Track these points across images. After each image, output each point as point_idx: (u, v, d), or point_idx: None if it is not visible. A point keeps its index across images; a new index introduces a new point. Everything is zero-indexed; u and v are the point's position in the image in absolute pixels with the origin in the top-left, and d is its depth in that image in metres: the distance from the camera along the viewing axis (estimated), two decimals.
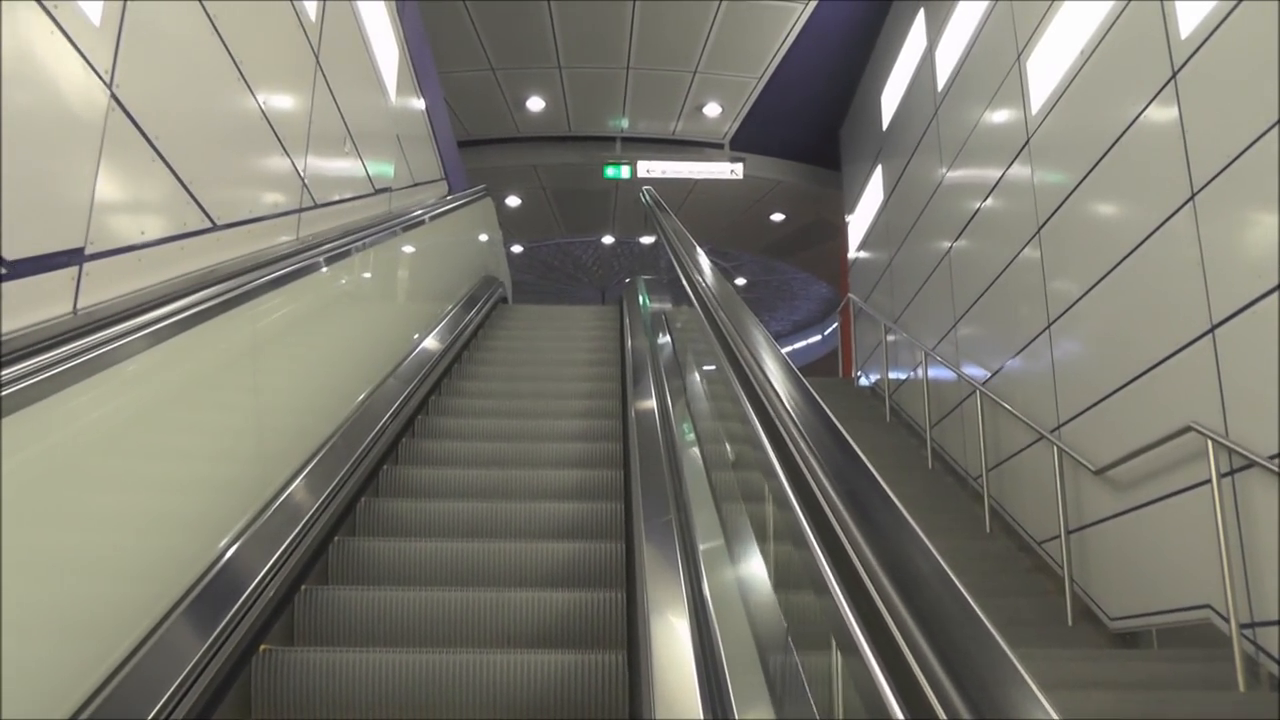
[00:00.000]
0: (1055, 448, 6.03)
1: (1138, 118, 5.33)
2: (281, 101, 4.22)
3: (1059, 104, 6.35)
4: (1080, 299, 5.93)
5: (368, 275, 4.92)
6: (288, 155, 4.28)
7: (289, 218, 4.33)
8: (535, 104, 13.30)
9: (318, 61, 4.75)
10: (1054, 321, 6.30)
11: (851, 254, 12.93)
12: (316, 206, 4.74)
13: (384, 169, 6.34)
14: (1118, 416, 5.50)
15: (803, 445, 1.81)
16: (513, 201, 15.88)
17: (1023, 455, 6.77)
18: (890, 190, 10.87)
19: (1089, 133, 5.92)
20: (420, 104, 7.80)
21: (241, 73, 3.71)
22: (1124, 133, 5.48)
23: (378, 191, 6.07)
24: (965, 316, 8.04)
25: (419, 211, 6.25)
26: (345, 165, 5.35)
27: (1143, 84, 5.31)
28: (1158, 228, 5.08)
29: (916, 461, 8.51)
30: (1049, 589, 6.14)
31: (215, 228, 3.48)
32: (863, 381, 11.76)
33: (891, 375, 10.34)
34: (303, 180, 4.50)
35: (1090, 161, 5.84)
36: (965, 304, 8.03)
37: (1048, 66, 6.57)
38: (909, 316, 9.87)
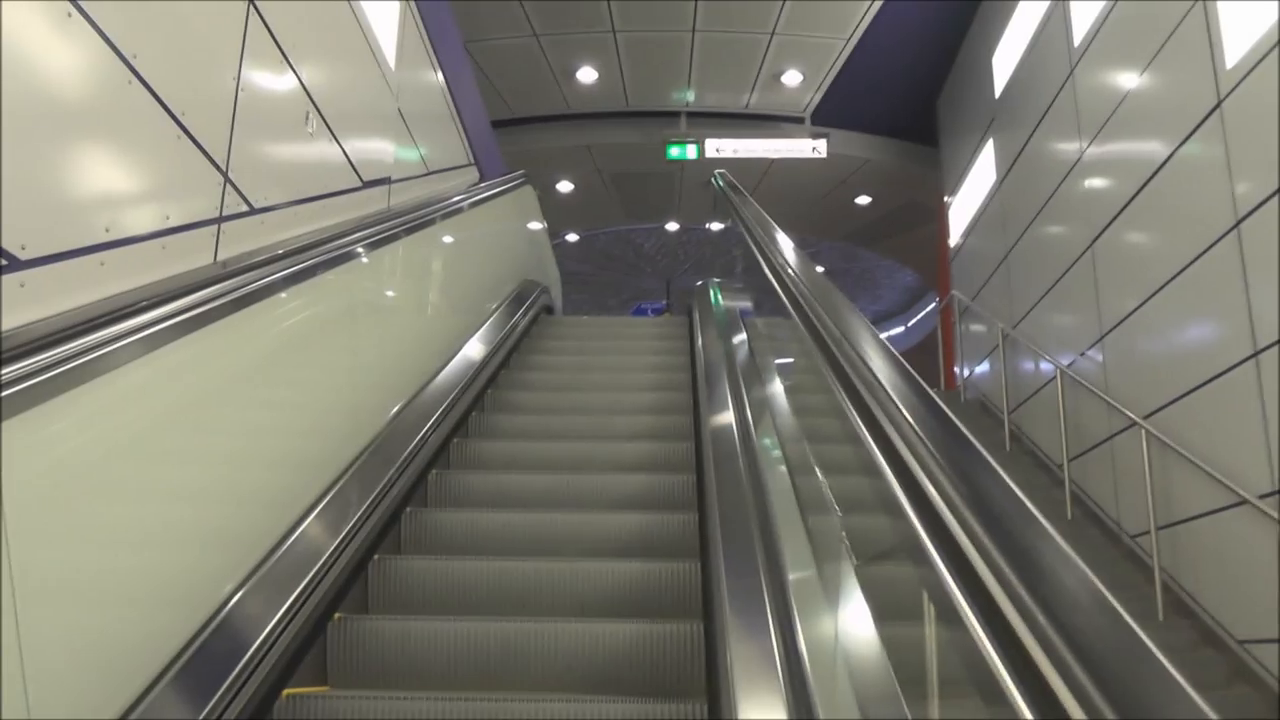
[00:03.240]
0: None
1: None
2: (174, 51, 2.80)
3: (1274, 54, 4.70)
4: None
5: (325, 310, 3.50)
6: (189, 137, 2.86)
7: (197, 233, 2.92)
8: (587, 75, 11.78)
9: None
10: (1264, 349, 4.69)
11: (953, 241, 11.29)
12: (253, 212, 3.33)
13: (379, 155, 4.93)
14: None
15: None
16: (565, 187, 14.43)
17: (1215, 519, 5.16)
18: (1006, 169, 9.21)
19: None
20: (437, 75, 6.36)
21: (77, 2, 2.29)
22: None
23: (368, 185, 4.65)
24: (1118, 328, 6.41)
25: (421, 211, 4.83)
26: (309, 152, 3.93)
27: None
28: None
29: (1051, 508, 6.90)
30: None
31: (17, 264, 2.08)
32: (969, 394, 10.12)
33: (1010, 388, 8.71)
34: (225, 176, 3.09)
35: None
36: (1118, 312, 6.41)
37: (1253, 3, 4.92)
38: (1035, 322, 8.24)
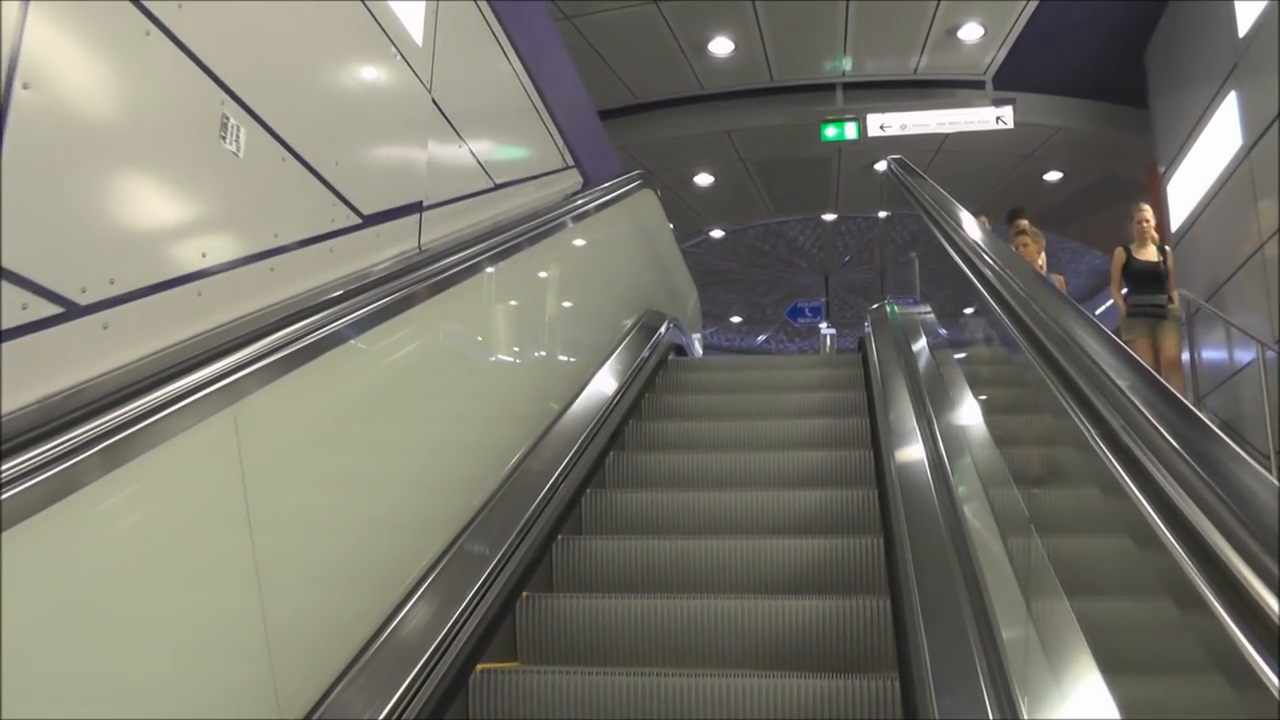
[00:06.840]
0: None
1: None
2: None
3: None
4: None
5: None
6: None
7: None
8: (721, 46, 10.15)
9: None
10: None
11: (1174, 224, 9.23)
12: (75, 314, 1.93)
13: (399, 173, 3.50)
14: None
15: None
16: (703, 180, 12.85)
17: None
18: (1260, 130, 7.17)
19: None
20: (509, 58, 4.87)
21: None
22: None
23: (371, 220, 3.19)
24: None
25: (448, 261, 3.34)
26: (232, 183, 2.48)
27: None
28: None
29: None
30: None
31: None
32: (1208, 416, 8.10)
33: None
34: None
35: None
36: None
37: None
38: None
